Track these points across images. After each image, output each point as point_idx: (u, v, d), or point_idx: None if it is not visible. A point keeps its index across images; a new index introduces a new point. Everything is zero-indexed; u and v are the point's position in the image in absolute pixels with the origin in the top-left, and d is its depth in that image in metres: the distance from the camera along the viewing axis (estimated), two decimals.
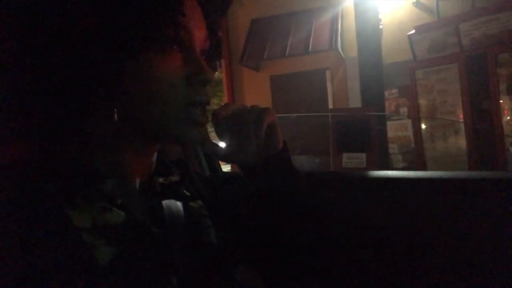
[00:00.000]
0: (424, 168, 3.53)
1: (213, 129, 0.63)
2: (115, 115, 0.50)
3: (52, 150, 0.50)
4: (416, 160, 3.70)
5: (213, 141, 0.66)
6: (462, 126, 3.37)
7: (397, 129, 4.42)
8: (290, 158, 0.68)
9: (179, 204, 0.61)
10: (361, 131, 2.19)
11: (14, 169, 0.46)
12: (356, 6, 3.19)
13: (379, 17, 4.14)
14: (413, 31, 3.68)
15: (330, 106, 6.32)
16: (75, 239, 0.44)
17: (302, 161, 5.10)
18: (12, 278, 0.39)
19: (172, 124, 0.53)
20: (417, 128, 3.71)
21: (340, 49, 5.90)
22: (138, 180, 0.57)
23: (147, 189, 0.59)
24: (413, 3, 5.74)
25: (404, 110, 4.83)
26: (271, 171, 0.65)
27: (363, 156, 2.19)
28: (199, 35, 0.56)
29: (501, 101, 3.17)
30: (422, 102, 3.62)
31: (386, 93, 4.59)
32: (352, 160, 2.21)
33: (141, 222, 0.52)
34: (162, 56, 0.51)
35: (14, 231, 0.41)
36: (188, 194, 0.64)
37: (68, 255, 0.42)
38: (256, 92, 6.83)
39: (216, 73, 0.66)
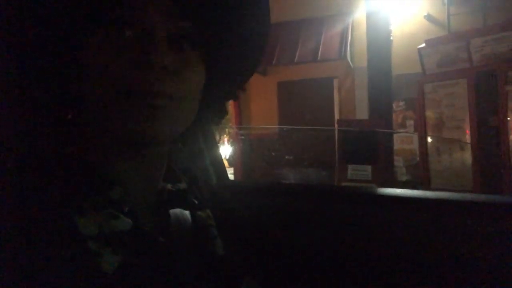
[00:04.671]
0: (428, 182, 3.51)
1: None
2: None
3: (61, 154, 0.49)
4: (421, 174, 3.68)
5: None
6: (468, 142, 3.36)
7: (402, 142, 4.41)
8: None
9: (186, 213, 0.60)
10: (367, 143, 2.19)
11: (21, 173, 0.46)
12: (368, 17, 3.19)
13: (390, 28, 4.15)
14: (423, 44, 3.67)
15: (336, 115, 6.32)
16: (80, 247, 0.44)
17: (309, 173, 5.10)
18: (16, 285, 0.39)
19: None
20: (423, 142, 3.70)
21: (349, 59, 5.91)
22: (146, 187, 0.57)
23: (155, 196, 0.58)
24: (425, 16, 5.74)
25: (410, 122, 4.81)
26: None
27: (368, 168, 2.18)
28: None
29: (508, 118, 3.15)
30: (429, 115, 3.60)
31: (394, 105, 4.58)
32: (357, 172, 2.21)
33: (148, 231, 0.51)
34: None
35: (19, 237, 0.41)
36: (196, 202, 0.64)
37: (73, 263, 0.42)
38: (262, 97, 6.84)
39: None
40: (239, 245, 0.66)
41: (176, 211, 0.59)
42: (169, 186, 0.61)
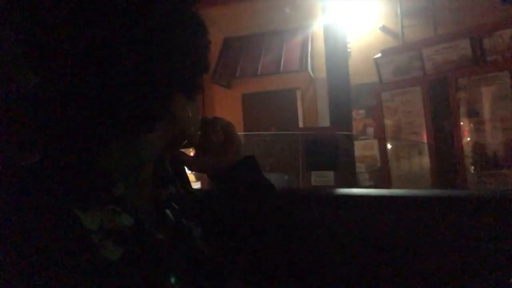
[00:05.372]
0: (389, 186, 3.63)
1: None
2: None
3: (65, 151, 0.50)
4: (382, 179, 3.80)
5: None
6: (425, 146, 3.50)
7: (364, 149, 4.54)
8: (256, 168, 0.73)
9: (171, 216, 0.63)
10: (330, 150, 2.25)
11: (24, 169, 0.47)
12: (325, 29, 3.30)
13: (347, 40, 4.29)
14: (379, 55, 3.82)
15: (301, 124, 6.42)
16: (83, 239, 0.45)
17: (272, 179, 5.12)
18: (20, 277, 0.40)
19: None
20: (383, 148, 3.82)
21: (310, 70, 6.04)
22: (142, 187, 0.59)
23: (151, 197, 0.61)
24: (380, 28, 5.97)
25: (371, 130, 4.97)
26: (234, 179, 0.70)
27: (331, 174, 2.24)
28: None
29: (461, 123, 3.32)
30: (388, 122, 3.74)
31: (354, 113, 4.72)
32: (320, 178, 2.26)
33: (148, 228, 0.53)
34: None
35: (21, 230, 0.42)
36: (179, 207, 0.66)
37: (76, 254, 0.43)
38: (227, 109, 6.86)
39: None
40: (225, 248, 0.68)
41: (169, 212, 0.62)
42: (163, 189, 0.65)
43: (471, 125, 3.31)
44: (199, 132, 0.69)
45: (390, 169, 3.68)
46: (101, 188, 0.50)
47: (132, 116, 0.50)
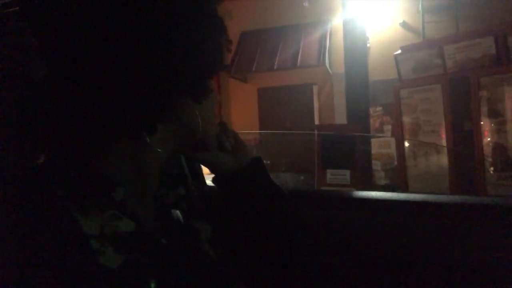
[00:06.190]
0: (406, 185, 3.58)
1: None
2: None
3: (66, 154, 0.50)
4: (399, 178, 3.75)
5: None
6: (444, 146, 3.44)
7: (380, 146, 4.49)
8: (264, 172, 0.71)
9: (181, 218, 0.62)
10: (346, 148, 2.23)
11: (25, 172, 0.47)
12: (344, 24, 3.25)
13: (367, 35, 4.23)
14: (399, 51, 3.76)
15: (316, 120, 6.39)
16: (82, 245, 0.44)
17: (287, 178, 5.11)
18: (18, 281, 0.40)
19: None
20: (400, 146, 3.77)
21: (327, 65, 5.99)
22: (146, 191, 0.58)
23: (158, 200, 0.60)
24: (400, 23, 5.88)
25: (388, 127, 4.90)
26: (241, 183, 0.68)
27: (347, 172, 2.22)
28: None
29: (482, 122, 3.24)
30: (406, 120, 3.68)
31: (371, 110, 4.66)
32: (336, 176, 2.24)
33: (150, 233, 0.52)
34: None
35: (21, 233, 0.42)
36: (190, 209, 0.65)
37: (74, 260, 0.43)
38: (243, 103, 6.87)
39: None
40: (233, 251, 0.67)
41: (176, 216, 0.61)
42: (170, 192, 0.63)
43: (492, 125, 3.24)
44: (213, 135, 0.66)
45: (406, 168, 3.63)
46: (101, 192, 0.49)
47: (133, 119, 0.48)
